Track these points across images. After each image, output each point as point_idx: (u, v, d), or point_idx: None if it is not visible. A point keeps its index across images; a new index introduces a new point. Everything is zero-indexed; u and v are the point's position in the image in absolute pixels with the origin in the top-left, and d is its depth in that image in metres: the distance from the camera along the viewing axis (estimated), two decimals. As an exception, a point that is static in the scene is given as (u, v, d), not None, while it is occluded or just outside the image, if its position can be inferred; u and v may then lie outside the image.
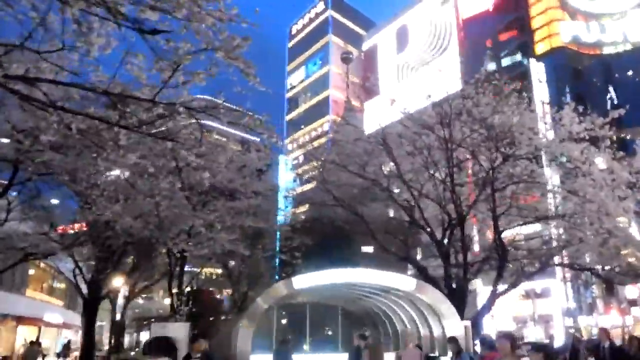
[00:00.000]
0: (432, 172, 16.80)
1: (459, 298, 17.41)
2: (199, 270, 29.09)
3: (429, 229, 18.11)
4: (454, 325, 13.72)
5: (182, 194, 15.14)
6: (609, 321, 41.38)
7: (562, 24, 60.60)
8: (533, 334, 43.93)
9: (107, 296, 26.44)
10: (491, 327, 49.14)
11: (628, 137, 18.65)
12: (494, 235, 16.11)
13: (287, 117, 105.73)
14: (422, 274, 18.65)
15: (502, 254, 16.26)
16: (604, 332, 11.30)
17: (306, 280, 13.05)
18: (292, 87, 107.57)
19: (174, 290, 17.91)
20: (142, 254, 22.43)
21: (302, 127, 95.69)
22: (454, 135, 16.72)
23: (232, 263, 25.27)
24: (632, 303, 43.09)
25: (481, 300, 50.01)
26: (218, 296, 28.48)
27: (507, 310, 50.05)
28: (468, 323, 15.31)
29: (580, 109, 16.47)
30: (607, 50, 60.41)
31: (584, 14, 61.72)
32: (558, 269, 44.02)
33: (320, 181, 20.82)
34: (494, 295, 17.39)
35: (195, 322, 15.06)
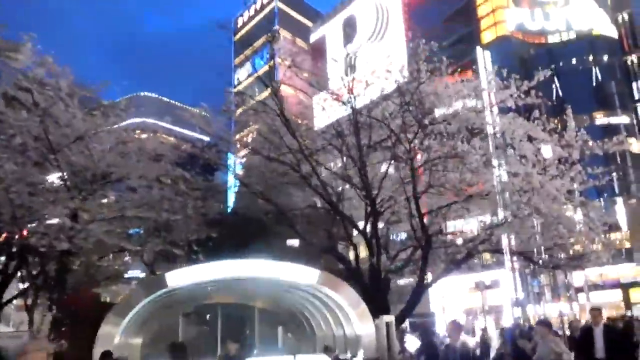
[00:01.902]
0: (341, 149, 15.01)
1: (383, 292, 15.75)
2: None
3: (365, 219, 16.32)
4: (365, 322, 11.92)
5: (43, 177, 12.98)
6: (557, 309, 40.96)
7: (507, 12, 60.27)
8: (483, 325, 43.00)
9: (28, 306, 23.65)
10: (442, 320, 48.30)
11: (573, 125, 17.55)
12: (411, 220, 14.37)
13: (235, 114, 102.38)
14: (347, 268, 16.93)
15: (425, 242, 14.55)
16: (454, 327, 8.41)
17: (182, 276, 10.95)
18: (240, 83, 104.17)
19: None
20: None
21: (251, 124, 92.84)
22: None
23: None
24: (579, 290, 42.82)
25: (433, 293, 49.20)
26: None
27: (458, 303, 49.28)
28: (391, 318, 13.58)
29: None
30: (552, 39, 60.45)
31: (529, 1, 61.55)
32: (507, 260, 43.37)
33: (232, 171, 18.93)
34: (421, 288, 15.69)
35: (55, 331, 12.64)
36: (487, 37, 59.97)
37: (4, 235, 15.05)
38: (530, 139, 14.77)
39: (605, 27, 58.71)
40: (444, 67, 15.19)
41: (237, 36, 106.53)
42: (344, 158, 15.20)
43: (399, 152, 15.06)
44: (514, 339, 13.80)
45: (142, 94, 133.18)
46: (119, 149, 15.43)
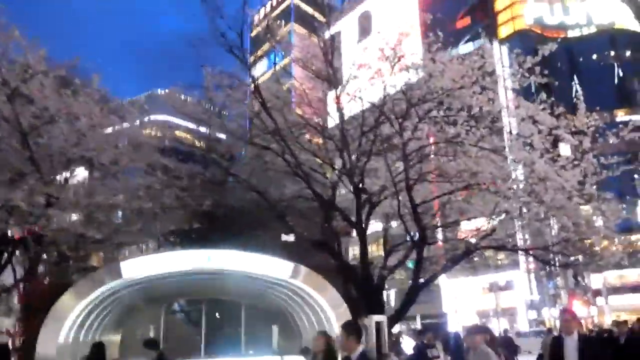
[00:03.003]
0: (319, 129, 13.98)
1: (377, 289, 14.61)
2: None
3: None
4: (343, 318, 10.77)
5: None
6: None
7: (525, 6, 58.57)
8: (496, 327, 41.53)
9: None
10: (455, 322, 46.86)
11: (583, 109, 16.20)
12: (399, 211, 13.11)
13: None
14: (339, 263, 15.84)
15: (420, 237, 13.32)
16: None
17: (139, 266, 9.95)
18: (256, 79, 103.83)
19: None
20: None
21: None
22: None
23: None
24: (596, 293, 41.16)
25: (445, 294, 47.84)
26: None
27: (470, 305, 47.80)
28: (382, 318, 12.46)
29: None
30: (571, 34, 58.56)
31: (548, -5, 59.76)
32: (522, 261, 41.83)
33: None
34: (417, 285, 14.45)
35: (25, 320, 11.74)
36: (504, 31, 58.33)
37: None
38: (535, 122, 13.44)
39: (628, 20, 56.45)
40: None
41: (253, 32, 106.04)
42: (325, 140, 14.14)
43: (393, 139, 13.98)
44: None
45: (158, 91, 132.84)
46: (95, 133, 14.48)
